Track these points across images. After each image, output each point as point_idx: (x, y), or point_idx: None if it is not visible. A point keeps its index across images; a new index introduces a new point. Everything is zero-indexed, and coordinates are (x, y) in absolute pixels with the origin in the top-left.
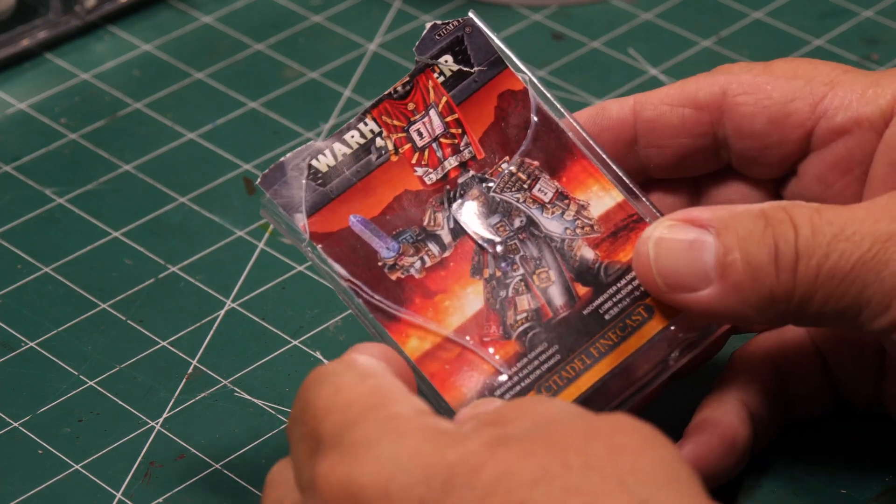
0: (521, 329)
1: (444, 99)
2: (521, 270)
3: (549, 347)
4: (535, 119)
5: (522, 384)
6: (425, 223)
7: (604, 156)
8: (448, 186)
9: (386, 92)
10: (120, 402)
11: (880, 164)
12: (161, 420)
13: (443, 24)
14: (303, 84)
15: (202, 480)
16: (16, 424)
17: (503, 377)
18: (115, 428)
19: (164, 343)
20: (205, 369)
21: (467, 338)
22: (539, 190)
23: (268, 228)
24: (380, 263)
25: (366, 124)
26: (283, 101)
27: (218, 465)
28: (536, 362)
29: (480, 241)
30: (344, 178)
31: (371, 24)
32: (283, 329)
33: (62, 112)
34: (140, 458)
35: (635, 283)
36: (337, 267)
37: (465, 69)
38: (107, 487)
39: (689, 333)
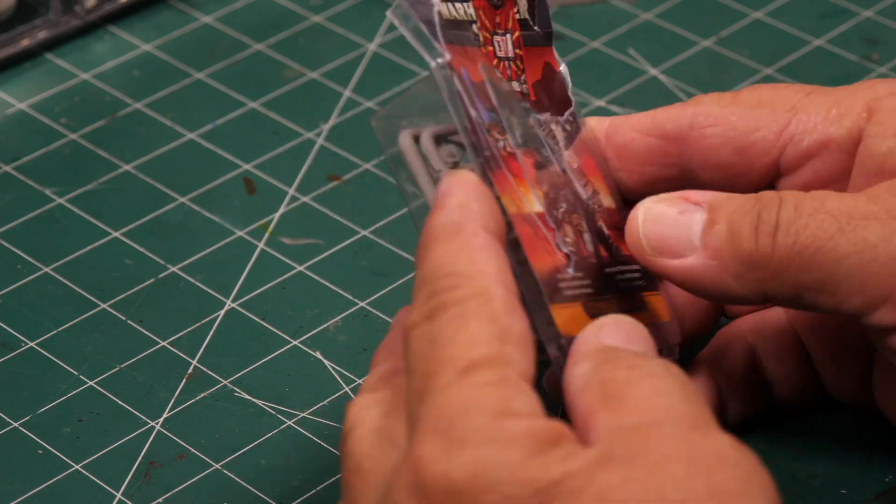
0: (567, 250)
1: (517, 33)
2: (565, 206)
3: (586, 278)
4: (573, 103)
5: (574, 291)
6: (506, 117)
7: (603, 172)
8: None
9: None
10: (120, 402)
11: (857, 179)
12: (161, 420)
13: None
14: (303, 84)
15: (202, 480)
16: (16, 424)
17: (567, 273)
18: (115, 428)
19: (164, 343)
20: (205, 369)
21: (549, 222)
22: (568, 157)
23: (268, 228)
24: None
25: (468, 7)
26: (283, 101)
27: (218, 465)
28: (579, 283)
29: (539, 159)
30: (457, 34)
31: (371, 24)
32: (283, 329)
33: (62, 112)
34: (140, 458)
35: (633, 274)
36: (483, 88)
37: (531, 22)
38: (107, 487)
39: (659, 341)
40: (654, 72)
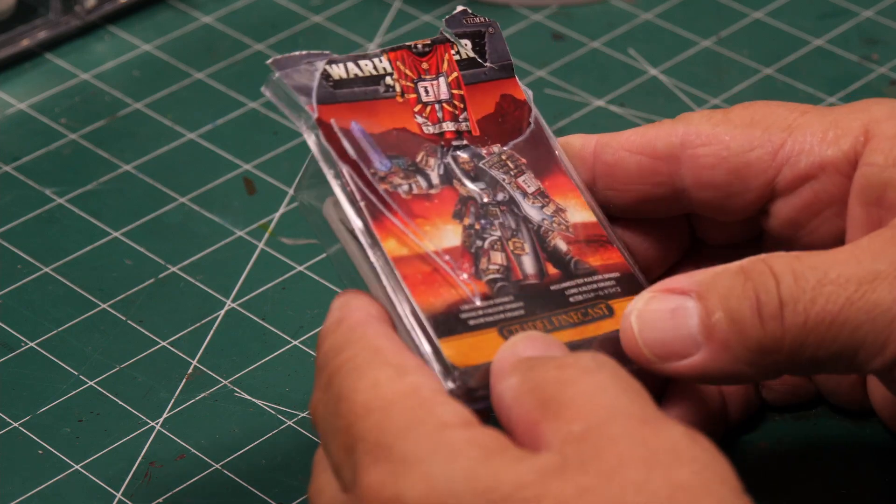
0: (491, 277)
1: (455, 74)
2: (499, 233)
3: (515, 302)
4: (532, 127)
5: (487, 318)
6: (417, 160)
7: (580, 187)
8: (443, 143)
9: (407, 43)
10: (120, 402)
11: (855, 207)
12: (161, 420)
13: (472, 14)
14: None
15: (202, 480)
16: (16, 424)
17: (473, 304)
18: (115, 428)
19: (164, 343)
20: (205, 369)
21: (447, 257)
22: (524, 181)
23: (268, 229)
24: (371, 171)
25: (380, 61)
26: None
27: (218, 465)
28: (501, 308)
29: (465, 194)
30: (352, 91)
31: (371, 24)
32: (283, 329)
33: (62, 112)
34: (140, 458)
35: (602, 283)
36: (344, 142)
37: (478, 60)
38: (107, 487)
39: None
40: (654, 72)
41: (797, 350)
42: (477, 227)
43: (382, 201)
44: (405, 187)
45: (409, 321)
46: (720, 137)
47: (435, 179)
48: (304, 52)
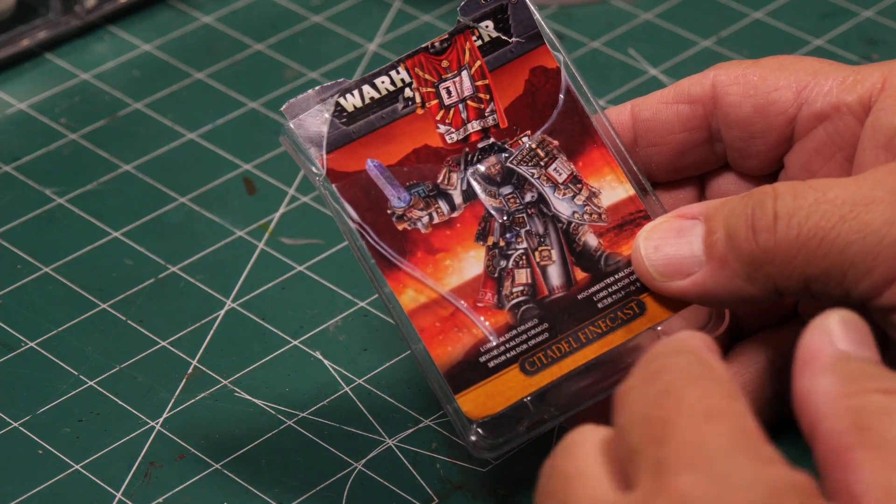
0: (514, 301)
1: (478, 63)
2: (525, 244)
3: (539, 325)
4: (563, 99)
5: (507, 355)
6: (439, 181)
7: (622, 147)
8: (467, 149)
9: (423, 45)
10: (120, 402)
11: (866, 149)
12: (161, 420)
13: None
14: (303, 84)
15: (202, 480)
16: (16, 424)
17: (490, 343)
18: (115, 428)
19: (164, 343)
20: (205, 369)
21: (462, 302)
22: (554, 169)
23: (268, 229)
24: (389, 211)
25: (398, 72)
26: (283, 101)
27: (218, 465)
28: (524, 336)
29: (490, 209)
30: (368, 121)
31: (371, 24)
32: (283, 329)
33: (62, 112)
34: (140, 458)
35: (632, 277)
36: (347, 207)
37: (503, 38)
38: (107, 487)
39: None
40: (654, 72)
41: (788, 263)
42: (501, 243)
43: (400, 249)
44: (425, 219)
45: (429, 376)
46: (749, 77)
47: (458, 199)
48: (317, 89)
